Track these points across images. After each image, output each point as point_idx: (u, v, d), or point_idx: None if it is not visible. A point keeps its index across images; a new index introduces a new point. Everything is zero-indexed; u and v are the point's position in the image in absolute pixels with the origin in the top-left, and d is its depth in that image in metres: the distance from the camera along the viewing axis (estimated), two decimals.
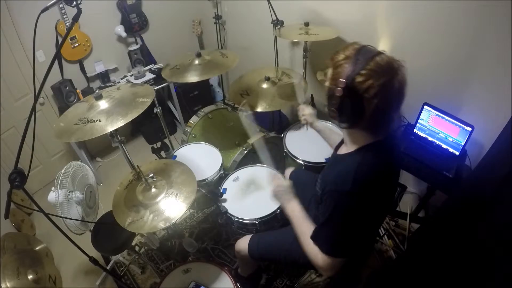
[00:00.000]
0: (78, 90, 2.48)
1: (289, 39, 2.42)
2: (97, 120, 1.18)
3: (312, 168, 1.76)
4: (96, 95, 1.27)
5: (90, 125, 1.17)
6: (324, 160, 1.76)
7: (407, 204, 2.13)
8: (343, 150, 1.04)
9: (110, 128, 1.15)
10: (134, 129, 3.18)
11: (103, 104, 1.25)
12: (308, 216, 1.10)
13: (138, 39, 2.84)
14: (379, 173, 0.91)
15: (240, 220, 1.51)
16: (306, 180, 1.52)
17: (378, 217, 1.01)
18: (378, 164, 0.91)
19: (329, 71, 0.90)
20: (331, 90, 0.87)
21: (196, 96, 3.09)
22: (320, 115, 2.18)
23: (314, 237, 1.00)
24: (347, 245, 0.96)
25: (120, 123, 1.16)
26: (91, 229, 1.67)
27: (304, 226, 1.06)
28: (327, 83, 0.90)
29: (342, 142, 1.10)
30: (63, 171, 1.48)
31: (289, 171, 1.68)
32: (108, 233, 1.67)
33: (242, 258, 1.49)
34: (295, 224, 1.10)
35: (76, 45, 2.46)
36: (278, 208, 1.51)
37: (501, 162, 1.15)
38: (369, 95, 0.80)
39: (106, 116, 1.19)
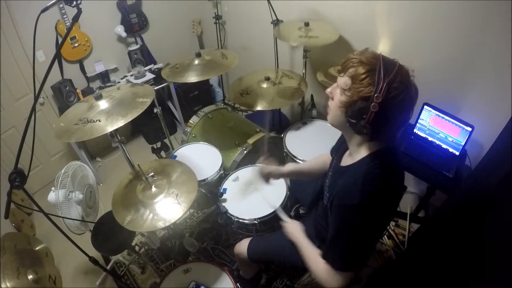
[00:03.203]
0: (78, 90, 2.48)
1: (288, 43, 2.42)
2: (97, 120, 1.18)
3: None
4: (96, 95, 1.27)
5: (90, 125, 1.17)
6: None
7: (407, 204, 2.13)
8: (347, 161, 0.98)
9: (110, 128, 1.15)
10: (134, 129, 3.18)
11: (103, 104, 1.25)
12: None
13: (138, 39, 2.84)
14: (387, 182, 0.87)
15: (240, 220, 1.51)
16: (307, 181, 1.51)
17: (386, 224, 1.00)
18: (385, 172, 0.88)
19: (348, 82, 0.83)
20: (357, 104, 0.81)
21: (196, 96, 3.09)
22: (320, 116, 2.19)
23: (325, 255, 0.97)
24: (358, 258, 0.94)
25: (120, 123, 1.16)
26: (91, 229, 1.67)
27: (309, 251, 1.07)
28: (348, 94, 0.83)
29: (343, 153, 1.05)
30: (63, 171, 1.48)
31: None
32: (108, 233, 1.67)
33: (241, 261, 1.49)
34: (302, 250, 1.11)
35: (76, 45, 2.46)
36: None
37: (501, 162, 1.15)
38: (401, 108, 0.80)
39: (106, 116, 1.20)
